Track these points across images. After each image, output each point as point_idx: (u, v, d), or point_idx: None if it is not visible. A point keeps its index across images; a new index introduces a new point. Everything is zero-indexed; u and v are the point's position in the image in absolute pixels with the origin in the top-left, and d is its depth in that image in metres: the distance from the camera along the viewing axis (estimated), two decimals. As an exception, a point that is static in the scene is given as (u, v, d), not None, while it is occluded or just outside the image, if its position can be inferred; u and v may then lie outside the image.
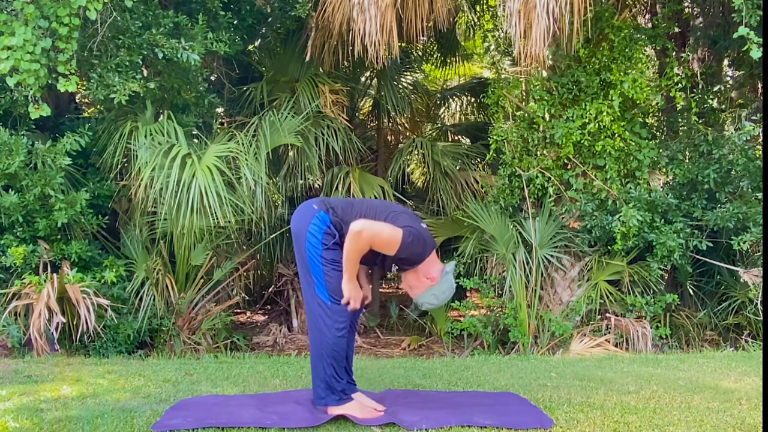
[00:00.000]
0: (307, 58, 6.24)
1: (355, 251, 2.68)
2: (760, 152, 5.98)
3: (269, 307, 8.04)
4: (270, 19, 6.87)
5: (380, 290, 8.62)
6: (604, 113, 5.54)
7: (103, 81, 5.05)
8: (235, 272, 6.28)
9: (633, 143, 5.75)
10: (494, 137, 6.28)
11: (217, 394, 3.24)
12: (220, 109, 6.85)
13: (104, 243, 5.81)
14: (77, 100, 6.73)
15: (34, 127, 5.54)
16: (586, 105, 5.68)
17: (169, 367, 3.96)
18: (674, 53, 6.55)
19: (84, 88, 5.54)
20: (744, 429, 2.75)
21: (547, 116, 6.07)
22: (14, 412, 2.82)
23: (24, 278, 4.90)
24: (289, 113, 6.15)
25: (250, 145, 5.71)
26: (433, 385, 3.59)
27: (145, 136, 5.36)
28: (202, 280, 5.78)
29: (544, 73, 6.27)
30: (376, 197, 6.43)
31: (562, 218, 6.01)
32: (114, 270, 5.22)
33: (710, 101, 6.73)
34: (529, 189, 6.01)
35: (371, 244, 2.68)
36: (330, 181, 6.71)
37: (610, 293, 5.85)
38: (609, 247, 5.82)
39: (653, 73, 7.59)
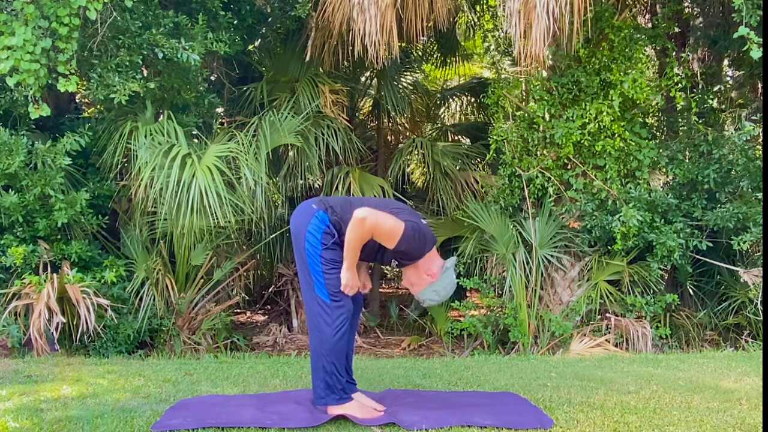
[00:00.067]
0: (307, 58, 6.25)
1: (356, 239, 2.68)
2: (760, 152, 5.98)
3: (269, 307, 8.05)
4: (270, 19, 6.87)
5: (380, 290, 8.62)
6: (604, 113, 5.54)
7: (103, 81, 5.05)
8: (235, 272, 6.28)
9: (633, 143, 5.75)
10: (494, 137, 6.28)
11: (217, 394, 3.24)
12: (220, 109, 6.85)
13: (104, 243, 5.81)
14: (77, 100, 6.73)
15: (34, 127, 5.54)
16: (586, 105, 5.68)
17: (169, 367, 3.96)
18: (674, 53, 6.55)
19: (84, 88, 5.54)
20: (744, 429, 2.75)
21: (547, 116, 6.07)
22: (14, 412, 2.82)
23: (24, 278, 4.90)
24: (289, 113, 6.15)
25: (250, 145, 5.71)
26: (433, 385, 3.59)
27: (145, 136, 5.36)
28: (202, 280, 5.78)
29: (544, 73, 6.27)
30: (376, 197, 6.43)
31: (562, 218, 6.01)
32: (114, 270, 5.22)
33: (710, 101, 6.73)
34: (529, 189, 6.01)
35: (373, 232, 2.67)
36: (330, 181, 6.71)
37: (610, 293, 5.85)
38: (609, 247, 5.82)
39: (653, 73, 7.59)
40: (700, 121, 6.30)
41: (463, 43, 8.75)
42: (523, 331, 5.69)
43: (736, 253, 5.77)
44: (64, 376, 3.61)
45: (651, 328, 5.59)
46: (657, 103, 6.48)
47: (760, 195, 5.58)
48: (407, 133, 8.67)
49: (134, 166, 5.35)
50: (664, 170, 6.16)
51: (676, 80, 5.91)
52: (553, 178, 5.90)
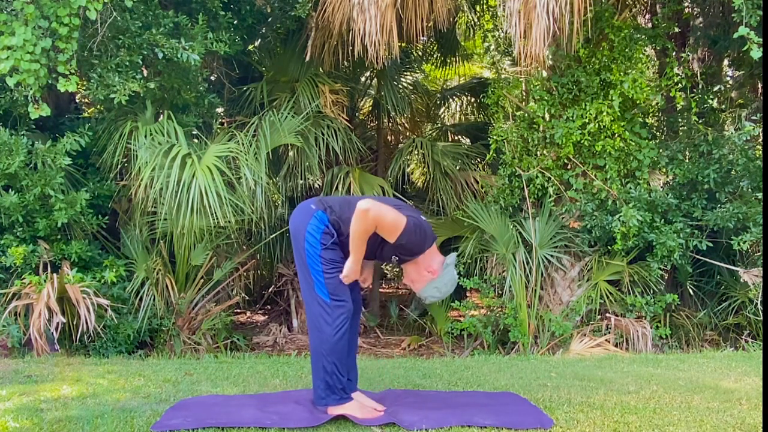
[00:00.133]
0: (307, 58, 6.24)
1: (361, 230, 2.68)
2: (760, 152, 5.98)
3: (269, 307, 8.05)
4: (270, 19, 6.87)
5: (380, 290, 8.62)
6: (604, 113, 5.54)
7: (103, 81, 5.05)
8: (235, 272, 6.28)
9: (633, 143, 5.75)
10: (494, 137, 6.28)
11: (217, 394, 3.24)
12: (220, 109, 6.85)
13: (104, 243, 5.81)
14: (77, 100, 6.73)
15: (34, 127, 5.54)
16: (586, 105, 5.68)
17: (169, 367, 3.96)
18: (674, 53, 6.55)
19: (84, 88, 5.54)
20: (744, 429, 2.75)
21: (547, 116, 6.07)
22: (14, 412, 2.82)
23: (24, 278, 4.90)
24: (289, 113, 6.15)
25: (250, 145, 5.71)
26: (433, 385, 3.59)
27: (145, 136, 5.36)
28: (202, 280, 5.78)
29: (544, 73, 6.27)
30: (375, 196, 6.42)
31: (562, 218, 6.01)
32: (114, 270, 5.22)
33: (710, 101, 6.73)
34: (529, 189, 6.01)
35: (377, 224, 2.67)
36: (330, 181, 6.71)
37: (610, 293, 5.85)
38: (609, 247, 5.82)
39: (653, 73, 7.59)
40: (700, 121, 6.30)
41: (463, 43, 8.75)
42: (523, 331, 5.69)
43: (736, 253, 5.77)
44: (64, 376, 3.61)
45: (651, 328, 5.59)
46: (657, 103, 6.48)
47: (760, 195, 5.58)
48: (407, 133, 8.67)
49: (134, 166, 5.35)
50: (664, 170, 6.16)
51: (676, 80, 5.91)
52: (553, 178, 5.90)
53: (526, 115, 6.21)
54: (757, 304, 5.69)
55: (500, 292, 6.12)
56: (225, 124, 6.83)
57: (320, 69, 6.62)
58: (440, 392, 3.38)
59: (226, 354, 5.23)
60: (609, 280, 5.90)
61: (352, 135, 6.75)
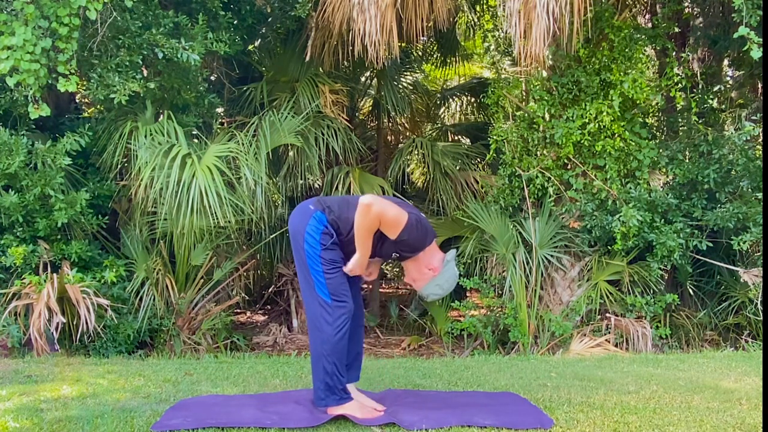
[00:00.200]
0: (307, 58, 6.24)
1: (365, 226, 2.68)
2: (760, 152, 5.98)
3: (269, 307, 8.05)
4: (270, 19, 6.87)
5: (380, 290, 8.62)
6: (604, 113, 5.54)
7: (103, 81, 5.05)
8: (235, 272, 6.28)
9: (633, 143, 5.75)
10: (494, 137, 6.28)
11: (217, 394, 3.24)
12: (220, 109, 6.85)
13: (104, 243, 5.81)
14: (77, 100, 6.73)
15: (34, 127, 5.53)
16: (586, 105, 5.68)
17: (169, 367, 3.96)
18: (674, 53, 6.55)
19: (84, 88, 5.54)
20: (744, 429, 2.75)
21: (547, 116, 6.07)
22: (14, 412, 2.82)
23: (24, 278, 4.90)
24: (289, 113, 6.15)
25: (250, 145, 5.71)
26: (433, 385, 3.59)
27: (145, 136, 5.36)
28: (202, 280, 5.78)
29: (544, 73, 6.27)
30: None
31: (562, 218, 6.01)
32: (114, 270, 5.22)
33: (710, 101, 6.73)
34: (529, 189, 6.01)
35: (380, 219, 2.67)
36: (330, 181, 6.71)
37: (610, 293, 5.85)
38: (609, 247, 5.82)
39: (653, 73, 7.59)
40: (700, 121, 6.30)
41: (463, 43, 8.75)
42: (523, 331, 5.69)
43: (736, 253, 5.77)
44: (64, 376, 3.61)
45: (651, 328, 5.59)
46: (657, 103, 6.48)
47: (760, 195, 5.58)
48: (407, 133, 8.67)
49: (134, 166, 5.35)
50: (664, 170, 6.16)
51: (676, 80, 5.91)
52: (553, 178, 5.90)
53: (526, 115, 6.21)
54: (757, 304, 5.69)
55: (500, 292, 6.12)
56: (225, 124, 6.83)
57: (320, 69, 6.62)
58: (440, 392, 3.38)
59: (226, 354, 5.23)
60: (609, 280, 5.90)
61: (352, 135, 6.75)
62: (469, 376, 3.81)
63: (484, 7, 7.86)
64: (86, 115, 6.65)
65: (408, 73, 8.43)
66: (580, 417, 2.86)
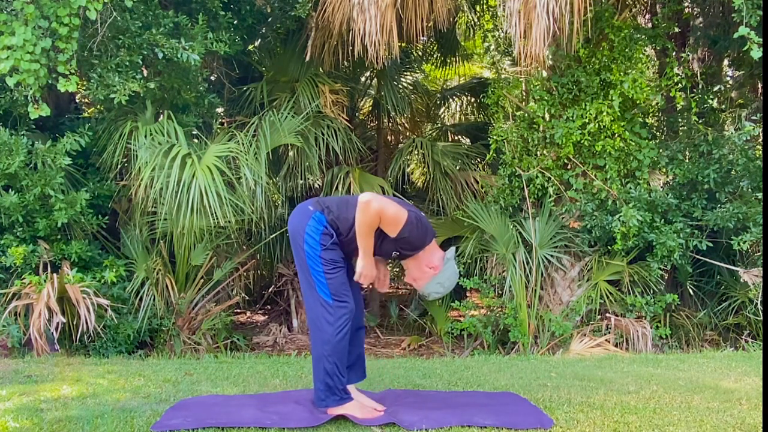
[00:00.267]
0: (307, 58, 6.24)
1: (365, 223, 2.68)
2: (760, 152, 5.98)
3: (269, 307, 8.04)
4: (270, 19, 6.87)
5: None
6: (604, 113, 5.54)
7: (103, 81, 5.05)
8: (235, 272, 6.28)
9: (633, 143, 5.75)
10: (494, 137, 6.28)
11: (217, 394, 3.24)
12: (220, 109, 6.85)
13: (104, 243, 5.81)
14: (77, 100, 6.73)
15: (34, 127, 5.53)
16: (586, 105, 5.68)
17: (169, 367, 3.96)
18: (674, 53, 6.55)
19: (84, 88, 5.54)
20: (744, 429, 2.75)
21: (547, 116, 6.07)
22: (14, 412, 2.82)
23: (24, 278, 4.90)
24: (289, 113, 6.15)
25: (250, 145, 5.71)
26: (433, 385, 3.59)
27: (145, 136, 5.36)
28: (202, 280, 5.78)
29: (544, 73, 6.27)
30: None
31: (562, 218, 6.01)
32: (114, 270, 5.22)
33: (710, 101, 6.73)
34: (529, 189, 6.01)
35: (380, 216, 2.67)
36: (330, 181, 6.71)
37: (610, 293, 5.85)
38: (609, 247, 5.82)
39: (653, 73, 7.59)
40: (700, 121, 6.30)
41: (463, 43, 8.75)
42: (523, 331, 5.69)
43: (736, 253, 5.77)
44: (64, 376, 3.61)
45: (651, 328, 5.59)
46: (657, 103, 6.48)
47: (760, 195, 5.58)
48: (407, 133, 8.67)
49: (134, 166, 5.35)
50: (664, 170, 6.16)
51: (676, 80, 5.91)
52: (553, 178, 5.90)
53: (526, 115, 6.21)
54: (757, 304, 5.69)
55: (500, 292, 6.12)
56: (225, 124, 6.83)
57: (320, 69, 6.62)
58: (440, 392, 3.38)
59: (226, 354, 5.24)
60: (609, 280, 5.90)
61: (352, 135, 6.75)
62: (469, 376, 3.81)
63: (484, 7, 7.86)
64: (86, 115, 6.65)
65: (408, 73, 8.43)
66: (580, 417, 2.86)
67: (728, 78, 7.87)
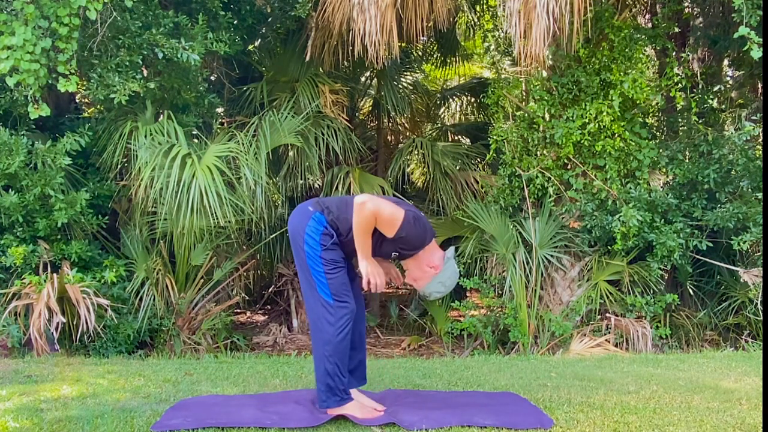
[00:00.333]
0: (307, 58, 6.25)
1: (362, 225, 2.68)
2: (760, 152, 5.98)
3: (269, 307, 8.05)
4: (270, 19, 6.87)
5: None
6: (604, 113, 5.54)
7: (103, 81, 5.05)
8: (235, 272, 6.28)
9: (633, 143, 5.75)
10: (494, 137, 6.28)
11: (217, 394, 3.24)
12: (220, 109, 6.85)
13: (104, 243, 5.81)
14: (77, 100, 6.73)
15: (34, 127, 5.54)
16: (586, 105, 5.68)
17: (169, 367, 3.97)
18: (674, 53, 6.55)
19: (84, 88, 5.54)
20: (744, 429, 2.75)
21: (547, 116, 6.07)
22: (14, 412, 2.82)
23: (24, 278, 4.90)
24: (289, 113, 6.15)
25: (250, 145, 5.71)
26: (433, 385, 3.59)
27: (145, 136, 5.36)
28: (202, 280, 5.78)
29: (544, 73, 6.27)
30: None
31: (562, 218, 6.01)
32: (114, 270, 5.22)
33: (710, 101, 6.73)
34: (529, 189, 6.01)
35: (376, 216, 2.67)
36: (330, 181, 6.71)
37: (610, 293, 5.85)
38: (609, 247, 5.82)
39: (653, 73, 7.59)
40: (700, 121, 6.30)
41: (463, 43, 8.75)
42: (523, 331, 5.69)
43: (736, 253, 5.77)
44: (64, 376, 3.61)
45: (651, 328, 5.59)
46: (657, 103, 6.48)
47: (760, 195, 5.58)
48: (407, 133, 8.67)
49: (134, 166, 5.35)
50: (664, 170, 6.16)
51: (676, 80, 5.91)
52: (553, 178, 5.90)
53: (526, 115, 6.21)
54: (757, 304, 5.69)
55: (500, 292, 6.12)
56: (225, 124, 6.83)
57: (320, 69, 6.62)
58: (440, 392, 3.38)
59: (226, 354, 5.24)
60: (609, 280, 5.90)
61: (352, 135, 6.75)
62: (469, 376, 3.81)
63: (484, 7, 7.86)
64: (86, 115, 6.65)
65: (408, 73, 8.43)
66: (580, 417, 2.86)
67: (728, 78, 7.87)
